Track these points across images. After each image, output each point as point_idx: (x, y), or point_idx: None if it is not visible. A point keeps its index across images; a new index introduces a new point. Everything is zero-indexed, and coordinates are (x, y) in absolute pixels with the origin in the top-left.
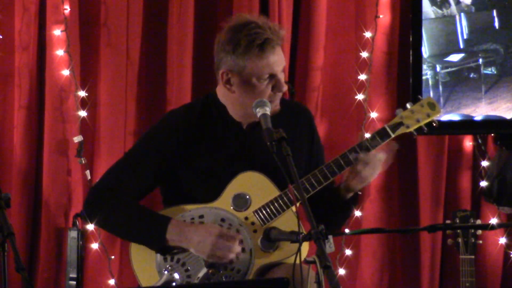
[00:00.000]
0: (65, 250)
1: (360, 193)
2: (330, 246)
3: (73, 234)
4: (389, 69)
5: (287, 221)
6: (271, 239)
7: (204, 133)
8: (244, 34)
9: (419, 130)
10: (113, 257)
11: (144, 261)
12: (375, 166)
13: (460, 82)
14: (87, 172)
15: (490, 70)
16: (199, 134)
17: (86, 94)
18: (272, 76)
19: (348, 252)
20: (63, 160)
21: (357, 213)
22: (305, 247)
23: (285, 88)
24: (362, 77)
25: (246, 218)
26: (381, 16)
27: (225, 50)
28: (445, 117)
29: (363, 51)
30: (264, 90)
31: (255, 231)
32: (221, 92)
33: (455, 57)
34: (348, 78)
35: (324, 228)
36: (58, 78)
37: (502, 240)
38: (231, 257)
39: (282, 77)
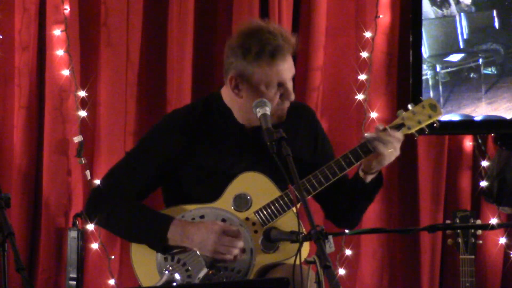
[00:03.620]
0: (65, 250)
1: (381, 178)
2: (330, 246)
3: (73, 234)
4: (389, 69)
5: (288, 221)
6: (271, 239)
7: (205, 133)
8: (256, 40)
9: (420, 131)
10: (113, 257)
11: (144, 261)
12: (393, 144)
13: (460, 82)
14: (87, 172)
15: (490, 70)
16: (200, 133)
17: (86, 94)
18: (281, 84)
19: (348, 252)
20: (63, 160)
21: None
22: (306, 247)
23: (293, 96)
24: (362, 77)
25: (247, 219)
26: (381, 16)
27: (235, 55)
28: (445, 117)
29: (363, 51)
30: (272, 98)
31: (255, 231)
32: (228, 95)
33: (455, 57)
34: (348, 78)
35: (324, 228)
36: (58, 78)
37: (502, 240)
38: (235, 253)
39: (290, 85)
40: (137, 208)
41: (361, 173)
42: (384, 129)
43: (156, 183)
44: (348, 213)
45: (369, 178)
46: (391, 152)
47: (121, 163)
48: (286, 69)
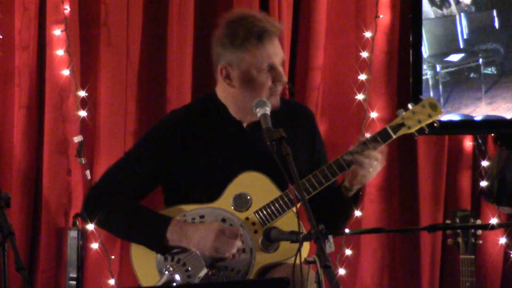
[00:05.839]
0: (65, 250)
1: (360, 192)
2: (330, 246)
3: (73, 234)
4: (389, 69)
5: (288, 221)
6: (271, 239)
7: (204, 133)
8: (242, 26)
9: (420, 130)
10: (113, 257)
11: (144, 261)
12: (370, 165)
13: (460, 82)
14: (87, 172)
15: (490, 70)
16: (199, 133)
17: (86, 94)
18: (272, 68)
19: (348, 252)
20: (63, 160)
21: (357, 213)
22: (306, 247)
23: (285, 78)
24: (362, 77)
25: (247, 219)
26: (381, 16)
27: (223, 44)
28: (445, 117)
29: (363, 51)
30: (264, 82)
31: (255, 231)
32: (221, 90)
33: (455, 57)
34: (348, 78)
35: (324, 227)
36: (58, 78)
37: (502, 240)
38: (232, 252)
39: (281, 69)
40: (136, 208)
41: (347, 184)
42: (362, 147)
43: (154, 183)
44: (335, 217)
45: (355, 188)
46: (369, 171)
47: (119, 162)
48: (275, 51)
